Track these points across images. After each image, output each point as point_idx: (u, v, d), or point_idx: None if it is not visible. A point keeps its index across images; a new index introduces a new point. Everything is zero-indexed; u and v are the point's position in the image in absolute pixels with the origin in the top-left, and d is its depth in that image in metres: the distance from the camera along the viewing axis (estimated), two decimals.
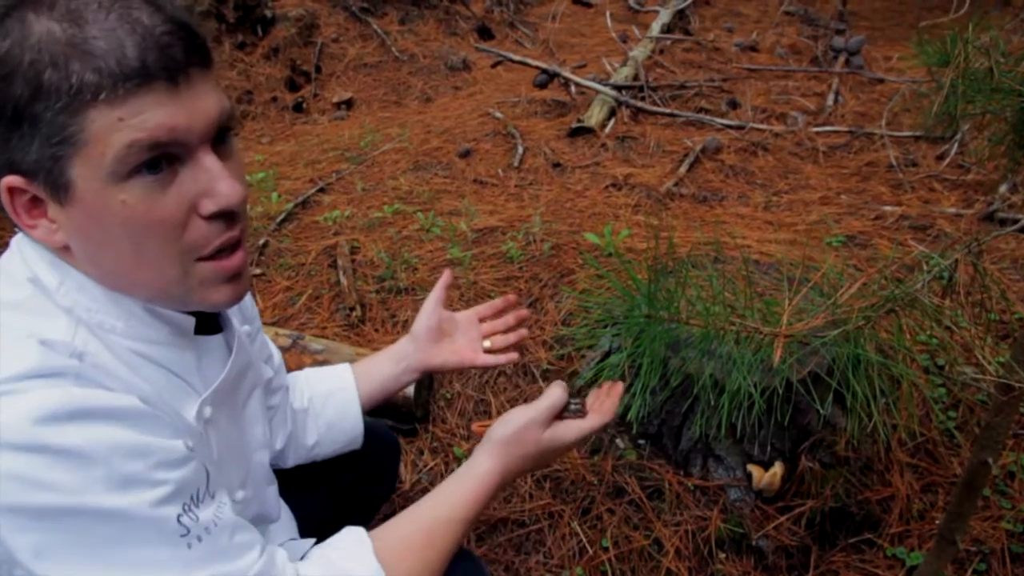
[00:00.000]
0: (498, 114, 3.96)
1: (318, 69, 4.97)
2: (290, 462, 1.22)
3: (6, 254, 0.77)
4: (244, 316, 0.99)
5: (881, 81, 4.31)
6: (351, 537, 0.88)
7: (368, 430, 1.42)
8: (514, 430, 0.99)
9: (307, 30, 5.13)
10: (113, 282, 0.74)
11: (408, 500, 1.76)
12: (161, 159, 0.68)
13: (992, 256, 2.42)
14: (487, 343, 1.24)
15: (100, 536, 0.65)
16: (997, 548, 1.58)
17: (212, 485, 0.75)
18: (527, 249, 2.53)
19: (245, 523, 0.78)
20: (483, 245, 2.60)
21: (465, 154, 3.49)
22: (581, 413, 1.05)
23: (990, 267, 0.85)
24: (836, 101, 4.04)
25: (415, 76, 4.98)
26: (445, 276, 1.22)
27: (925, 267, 0.82)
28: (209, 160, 0.71)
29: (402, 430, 1.93)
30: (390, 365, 1.24)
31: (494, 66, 4.91)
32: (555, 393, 1.02)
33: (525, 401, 1.97)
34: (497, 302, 1.26)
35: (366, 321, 2.28)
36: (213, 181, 0.71)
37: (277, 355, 1.17)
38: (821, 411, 1.60)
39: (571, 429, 1.02)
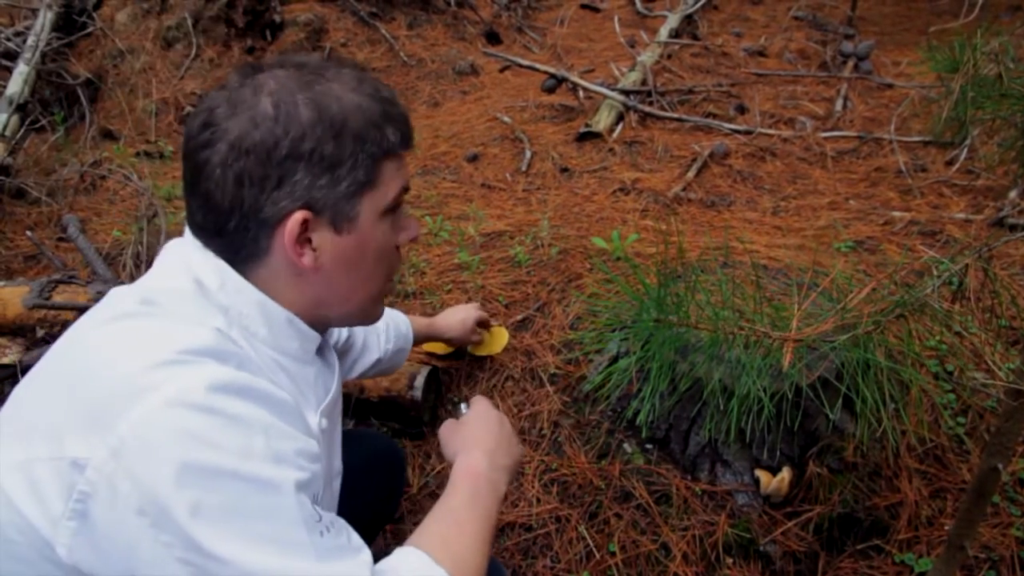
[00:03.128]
0: (506, 118, 3.97)
1: None
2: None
3: (164, 258, 0.90)
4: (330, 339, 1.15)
5: (890, 86, 4.30)
6: (409, 554, 0.89)
7: (373, 449, 1.46)
8: (445, 441, 1.13)
9: (316, 35, 5.15)
10: (322, 300, 0.91)
11: (415, 503, 1.76)
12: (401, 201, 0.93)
13: (1002, 261, 2.41)
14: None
15: (253, 505, 0.70)
16: (1007, 555, 1.57)
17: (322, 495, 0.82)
18: (535, 253, 2.53)
19: (350, 526, 0.84)
20: (491, 249, 2.61)
21: (473, 158, 3.50)
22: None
23: (1000, 272, 0.85)
24: (845, 106, 4.03)
25: (423, 80, 5.00)
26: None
27: (935, 272, 0.82)
28: (405, 206, 0.97)
29: (409, 434, 1.93)
30: (443, 327, 1.86)
31: (502, 71, 4.92)
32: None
33: (532, 406, 1.97)
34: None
35: None
36: (408, 220, 0.97)
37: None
38: (830, 416, 1.60)
39: (470, 409, 1.17)
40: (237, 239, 0.85)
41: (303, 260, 0.86)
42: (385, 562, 0.88)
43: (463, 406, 1.21)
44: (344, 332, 1.35)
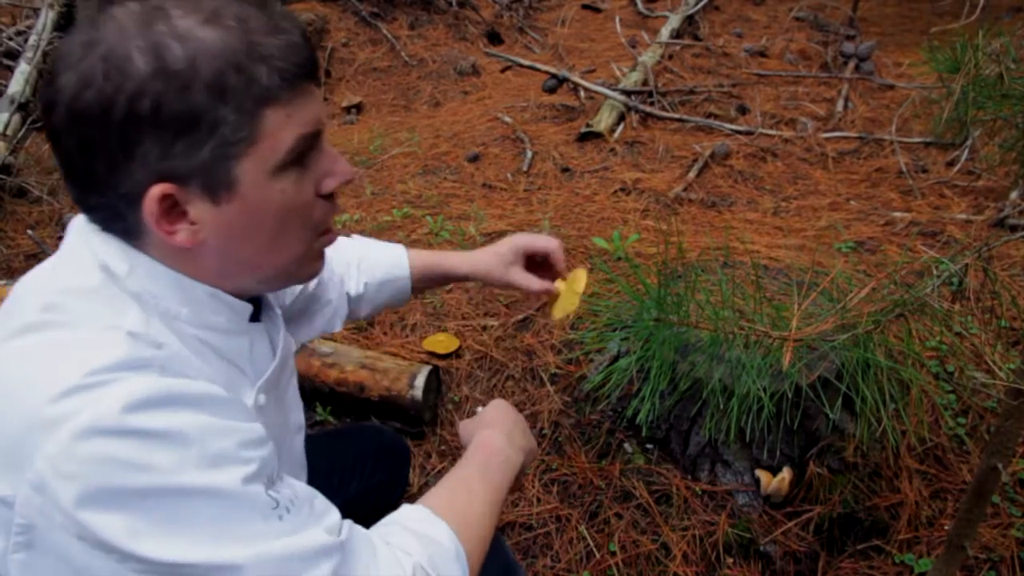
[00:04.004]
0: (507, 119, 3.97)
1: (328, 74, 4.99)
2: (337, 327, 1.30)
3: (66, 244, 0.80)
4: (276, 298, 1.02)
5: (891, 87, 4.30)
6: (413, 509, 0.90)
7: (379, 439, 1.43)
8: (464, 435, 1.09)
9: (317, 35, 5.15)
10: (228, 273, 0.79)
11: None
12: (308, 148, 0.76)
13: (1003, 262, 2.41)
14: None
15: (198, 514, 0.66)
16: (1007, 555, 1.57)
17: (280, 469, 0.77)
18: None
19: (318, 493, 0.81)
20: None
21: (474, 158, 3.50)
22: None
23: (1000, 273, 0.85)
24: (846, 107, 4.03)
25: (424, 81, 5.00)
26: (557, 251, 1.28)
27: (935, 272, 0.82)
28: (327, 145, 0.79)
29: (410, 433, 1.93)
30: (456, 261, 1.31)
31: (503, 71, 4.92)
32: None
33: (533, 406, 1.97)
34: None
35: (375, 324, 2.29)
36: (334, 161, 0.80)
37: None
38: (830, 415, 1.60)
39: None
40: (108, 217, 0.75)
41: (176, 238, 0.73)
42: (388, 517, 0.89)
43: (480, 408, 1.20)
44: (296, 290, 1.17)
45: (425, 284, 1.33)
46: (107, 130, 0.67)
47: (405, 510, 0.90)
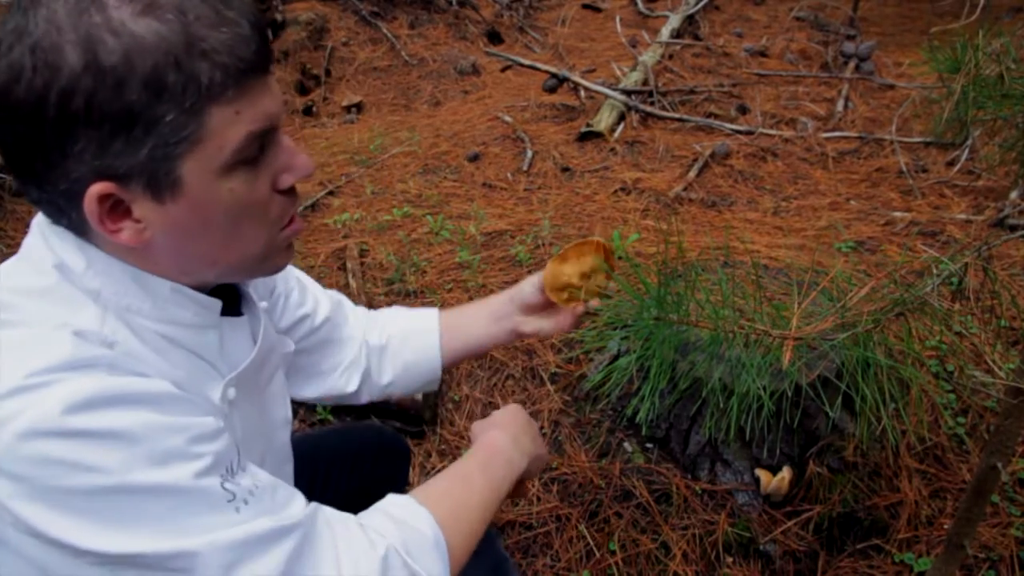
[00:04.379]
0: (507, 118, 3.97)
1: (328, 73, 4.99)
2: (363, 399, 1.22)
3: (27, 240, 0.77)
4: (259, 293, 1.00)
5: (891, 87, 4.30)
6: (398, 497, 0.90)
7: (379, 436, 1.43)
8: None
9: (317, 34, 5.16)
10: (186, 268, 0.76)
11: None
12: (260, 145, 0.72)
13: (1003, 262, 2.41)
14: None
15: (150, 511, 0.66)
16: (1006, 555, 1.57)
17: (242, 460, 0.75)
18: (536, 253, 2.54)
19: (281, 481, 0.79)
20: (492, 248, 2.61)
21: (474, 158, 3.50)
22: None
23: (1000, 273, 0.85)
24: (846, 107, 4.03)
25: (425, 80, 5.00)
26: None
27: (935, 271, 0.83)
28: (285, 139, 0.76)
29: (410, 432, 1.94)
30: (488, 324, 1.21)
31: (503, 70, 4.93)
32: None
33: (533, 405, 1.97)
34: None
35: None
36: (292, 156, 0.76)
37: (326, 305, 1.15)
38: (830, 414, 1.60)
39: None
40: (52, 212, 0.72)
41: (121, 237, 0.70)
42: (373, 505, 0.89)
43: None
44: (291, 295, 1.10)
45: (464, 349, 1.24)
46: (40, 127, 0.64)
47: (390, 498, 0.90)
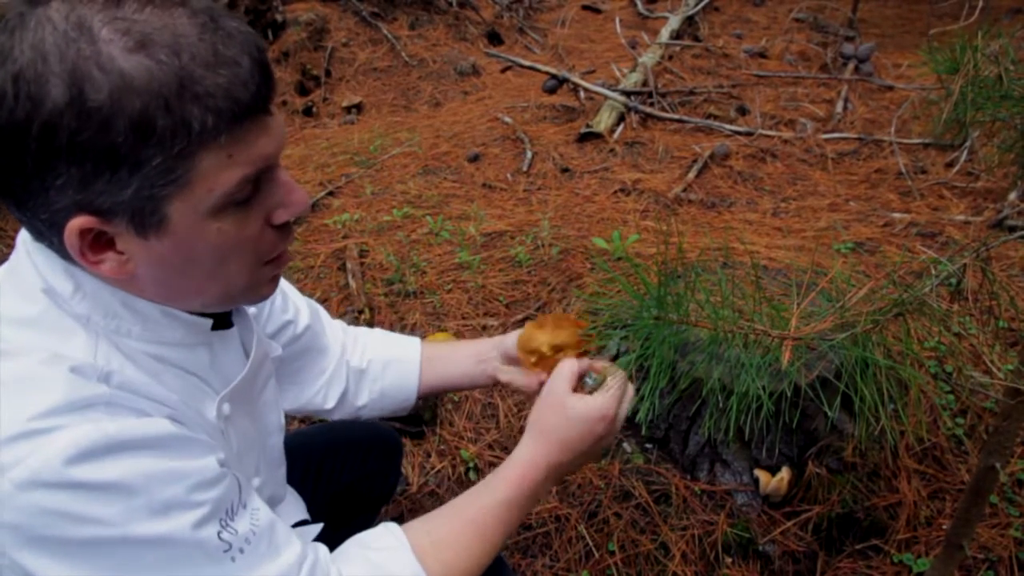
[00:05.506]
0: (507, 119, 3.97)
1: (328, 73, 5.00)
2: (335, 416, 1.21)
3: (14, 258, 0.75)
4: None
5: (891, 88, 4.30)
6: (389, 538, 0.87)
7: (371, 430, 1.43)
8: (539, 405, 0.98)
9: (317, 35, 5.16)
10: (171, 298, 0.75)
11: (415, 502, 1.77)
12: (255, 186, 0.70)
13: (1001, 263, 2.41)
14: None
15: (146, 562, 0.66)
16: (1005, 556, 1.57)
17: (244, 494, 0.75)
18: (535, 253, 2.54)
19: (280, 521, 0.79)
20: (492, 249, 2.61)
21: (474, 159, 3.51)
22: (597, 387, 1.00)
23: (999, 274, 0.85)
24: (845, 108, 4.04)
25: (424, 81, 5.00)
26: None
27: (933, 272, 0.83)
28: (283, 175, 0.73)
29: (410, 432, 1.94)
30: (470, 363, 1.19)
31: (503, 71, 4.93)
32: (564, 364, 1.01)
33: (532, 406, 1.97)
34: None
35: (375, 324, 2.29)
36: (288, 192, 0.73)
37: (306, 312, 1.13)
38: (829, 414, 1.60)
39: (597, 396, 0.98)
40: (35, 234, 0.70)
41: (102, 268, 0.68)
42: (363, 534, 0.88)
43: (589, 380, 1.04)
44: (285, 314, 1.09)
45: (442, 383, 1.23)
46: (21, 156, 0.61)
47: (378, 533, 0.88)
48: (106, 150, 0.61)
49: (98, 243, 0.67)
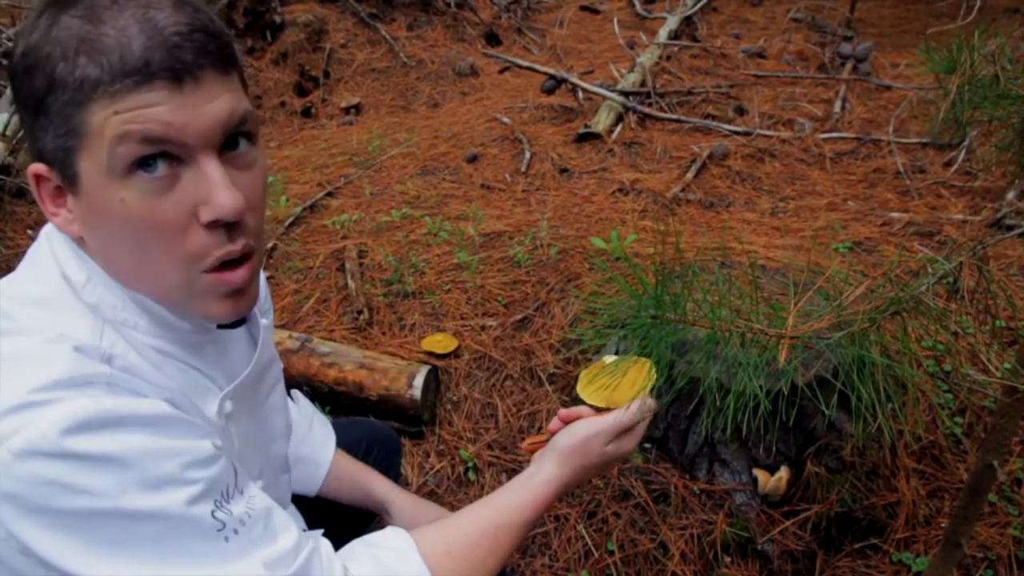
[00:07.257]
0: (505, 119, 3.97)
1: (327, 74, 5.00)
2: None
3: (36, 244, 0.78)
4: (260, 309, 0.98)
5: (888, 88, 4.31)
6: (397, 539, 0.88)
7: (370, 430, 1.44)
8: (579, 441, 0.98)
9: (316, 35, 5.16)
10: (124, 278, 0.75)
11: None
12: (158, 158, 0.67)
13: (999, 262, 2.42)
14: None
15: (139, 536, 0.66)
16: (1004, 554, 1.58)
17: (240, 481, 0.75)
18: (534, 253, 2.54)
19: (277, 506, 0.79)
20: (490, 249, 2.61)
21: (472, 159, 3.51)
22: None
23: (997, 273, 0.86)
24: (843, 108, 4.04)
25: (423, 81, 5.00)
26: None
27: (930, 270, 0.83)
28: (211, 167, 0.69)
29: (409, 432, 1.94)
30: (358, 496, 1.24)
31: (502, 72, 4.93)
32: (629, 411, 1.01)
33: (531, 405, 1.98)
34: None
35: (374, 324, 2.30)
36: (212, 189, 0.69)
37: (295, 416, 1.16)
38: (827, 413, 1.60)
39: (631, 439, 1.02)
40: None
41: (56, 220, 0.74)
42: (373, 535, 0.88)
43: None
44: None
45: (351, 496, 1.24)
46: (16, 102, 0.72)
47: (386, 534, 0.89)
48: (30, 96, 0.69)
49: (58, 195, 0.73)
